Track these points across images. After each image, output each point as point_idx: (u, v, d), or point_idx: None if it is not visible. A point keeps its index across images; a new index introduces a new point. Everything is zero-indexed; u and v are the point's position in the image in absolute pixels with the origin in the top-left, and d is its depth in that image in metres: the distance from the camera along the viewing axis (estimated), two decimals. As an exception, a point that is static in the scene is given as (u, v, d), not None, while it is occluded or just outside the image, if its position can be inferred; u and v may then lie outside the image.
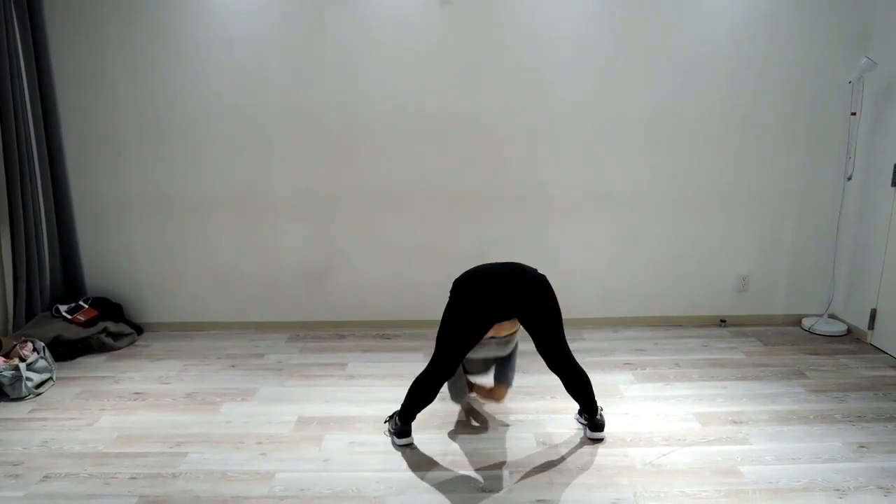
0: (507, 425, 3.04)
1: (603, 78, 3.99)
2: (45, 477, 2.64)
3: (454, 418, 3.11)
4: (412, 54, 3.95)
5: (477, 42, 3.94)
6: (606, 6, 3.89)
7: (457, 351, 2.72)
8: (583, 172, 4.13)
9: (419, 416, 3.02)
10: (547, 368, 2.90)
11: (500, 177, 4.13)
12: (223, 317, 4.36)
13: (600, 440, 2.90)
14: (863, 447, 2.81)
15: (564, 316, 4.25)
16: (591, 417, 2.90)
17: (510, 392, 3.11)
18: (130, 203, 4.16)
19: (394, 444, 2.88)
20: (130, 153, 4.08)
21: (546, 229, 4.21)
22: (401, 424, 2.88)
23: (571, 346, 3.96)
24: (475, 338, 2.71)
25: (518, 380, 3.51)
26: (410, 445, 2.87)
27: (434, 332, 4.17)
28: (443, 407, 3.22)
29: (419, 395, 2.81)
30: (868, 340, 4.00)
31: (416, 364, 3.73)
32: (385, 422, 3.06)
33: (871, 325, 3.98)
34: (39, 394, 3.40)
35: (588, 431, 2.92)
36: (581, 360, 3.77)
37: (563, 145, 4.10)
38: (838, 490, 2.51)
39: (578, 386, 2.84)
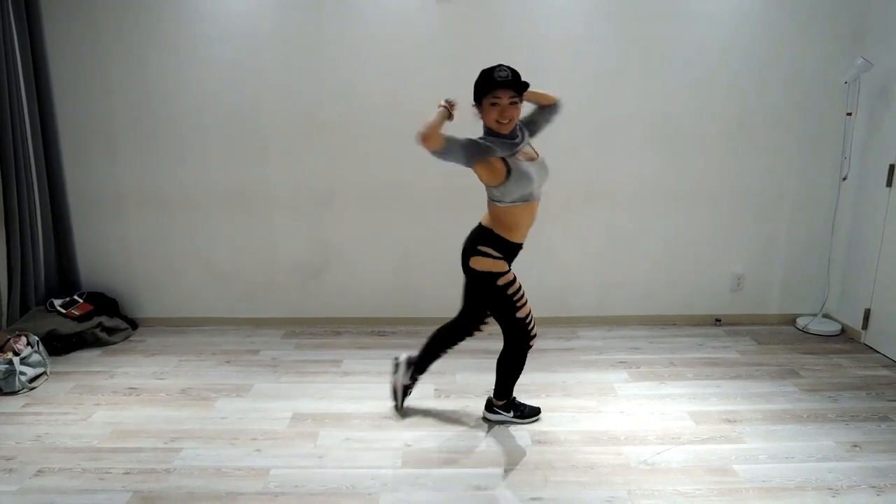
0: (503, 423, 3.05)
1: (600, 77, 3.99)
2: (39, 471, 2.64)
3: (449, 416, 3.11)
4: (410, 51, 3.94)
5: (474, 39, 3.93)
6: (604, 6, 3.89)
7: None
8: (579, 171, 4.13)
9: (416, 413, 3.03)
10: (545, 368, 2.90)
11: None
12: (218, 312, 4.35)
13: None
14: (856, 446, 2.83)
15: (559, 314, 4.30)
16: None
17: None
18: (126, 198, 4.15)
19: (521, 422, 3.01)
20: (126, 148, 4.07)
21: (542, 227, 4.19)
22: (513, 400, 3.04)
23: (566, 344, 3.99)
24: None
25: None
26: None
27: (429, 329, 4.16)
28: (437, 405, 3.22)
29: (517, 365, 2.92)
30: (862, 340, 4.02)
31: (412, 361, 3.74)
32: (501, 411, 3.05)
33: (865, 325, 4.00)
34: (33, 388, 3.39)
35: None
36: (576, 357, 3.79)
37: (560, 143, 4.08)
38: (831, 489, 2.52)
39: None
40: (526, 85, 2.57)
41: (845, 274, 4.20)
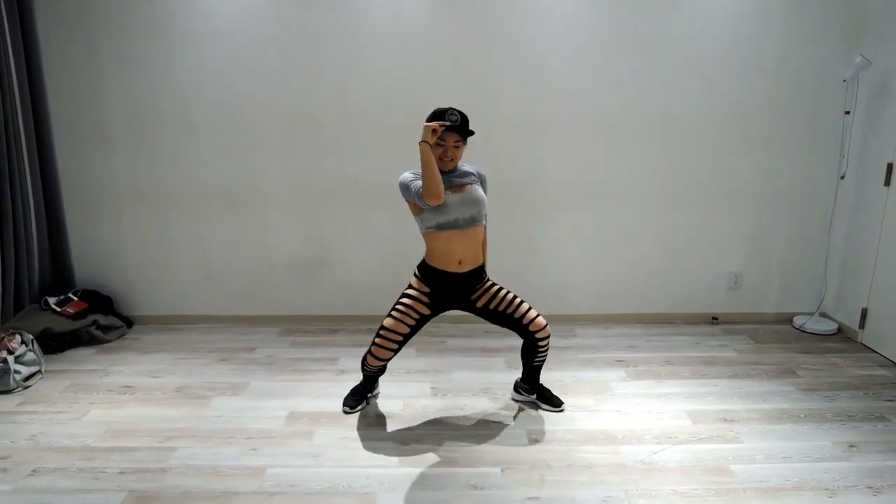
0: (499, 422, 3.04)
1: (597, 75, 3.98)
2: (34, 471, 2.62)
3: (446, 414, 3.11)
4: (405, 49, 3.92)
5: (469, 37, 3.91)
6: (602, 4, 3.87)
7: None
8: (576, 169, 4.12)
9: (413, 412, 3.01)
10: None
11: (492, 173, 4.09)
12: (214, 310, 4.33)
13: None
14: (852, 446, 2.83)
15: (557, 312, 4.29)
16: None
17: None
18: (121, 195, 4.12)
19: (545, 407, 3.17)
20: (121, 145, 4.04)
21: (539, 225, 4.19)
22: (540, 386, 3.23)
23: (563, 342, 3.99)
24: None
25: (509, 376, 3.50)
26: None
27: (425, 327, 4.15)
28: (433, 403, 3.21)
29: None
30: (859, 340, 4.02)
31: (408, 359, 3.72)
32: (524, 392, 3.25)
33: (862, 325, 4.00)
34: (28, 387, 3.37)
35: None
36: (573, 356, 3.79)
37: (557, 142, 4.09)
38: (828, 489, 2.52)
39: None
40: (471, 132, 2.79)
41: (842, 273, 4.20)
